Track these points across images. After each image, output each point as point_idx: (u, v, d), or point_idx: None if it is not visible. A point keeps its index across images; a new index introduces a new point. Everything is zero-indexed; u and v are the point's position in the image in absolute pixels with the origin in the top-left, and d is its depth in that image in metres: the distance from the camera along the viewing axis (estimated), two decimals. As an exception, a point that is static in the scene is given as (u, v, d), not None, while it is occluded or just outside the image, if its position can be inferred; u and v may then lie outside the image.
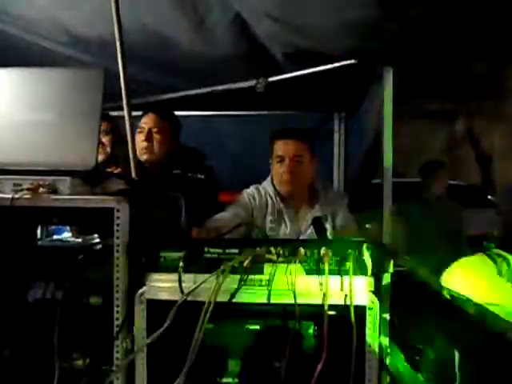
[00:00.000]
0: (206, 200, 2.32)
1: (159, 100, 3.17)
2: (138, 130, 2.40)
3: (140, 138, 2.38)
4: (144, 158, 2.37)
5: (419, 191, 3.97)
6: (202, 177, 2.44)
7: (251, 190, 2.26)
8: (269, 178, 2.28)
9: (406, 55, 2.53)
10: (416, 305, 1.76)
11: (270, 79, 2.83)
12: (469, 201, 5.25)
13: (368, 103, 3.05)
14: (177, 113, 2.63)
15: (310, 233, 2.10)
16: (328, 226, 2.12)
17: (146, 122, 2.42)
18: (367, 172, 3.46)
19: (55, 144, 1.47)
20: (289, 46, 2.44)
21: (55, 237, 1.94)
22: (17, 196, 1.40)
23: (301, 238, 2.14)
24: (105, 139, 2.62)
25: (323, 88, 2.96)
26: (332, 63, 2.56)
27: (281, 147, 2.19)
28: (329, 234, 2.08)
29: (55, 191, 1.42)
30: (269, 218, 2.19)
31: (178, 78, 2.90)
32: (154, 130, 2.40)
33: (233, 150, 3.41)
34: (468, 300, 1.61)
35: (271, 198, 2.21)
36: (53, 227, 2.02)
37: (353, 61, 2.51)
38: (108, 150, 2.65)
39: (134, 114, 1.98)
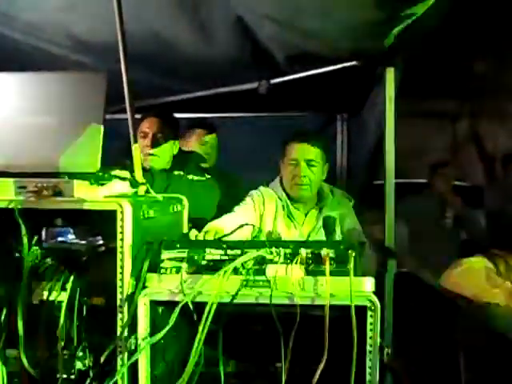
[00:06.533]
0: (207, 202, 2.33)
1: (162, 103, 3.18)
2: (141, 134, 2.38)
3: (144, 143, 2.35)
4: (149, 163, 2.37)
5: (422, 192, 3.98)
6: (204, 179, 2.45)
7: (258, 191, 2.24)
8: (277, 180, 2.25)
9: (408, 56, 2.54)
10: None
11: (273, 81, 2.84)
12: (472, 201, 5.24)
13: (370, 104, 3.06)
14: (179, 115, 2.64)
15: (318, 236, 2.09)
16: (336, 229, 2.07)
17: (150, 126, 2.40)
18: (370, 173, 3.46)
19: (59, 147, 1.48)
20: (291, 48, 2.44)
21: (59, 239, 1.95)
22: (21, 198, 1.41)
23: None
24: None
25: (326, 90, 2.97)
26: (334, 65, 2.57)
27: (295, 150, 2.16)
28: (336, 237, 2.06)
29: (59, 193, 1.44)
30: (278, 220, 2.16)
31: (181, 80, 2.91)
32: (159, 135, 2.39)
33: (235, 152, 3.41)
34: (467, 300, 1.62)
35: (280, 200, 2.19)
36: (57, 229, 2.03)
37: (355, 62, 2.52)
38: None
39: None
